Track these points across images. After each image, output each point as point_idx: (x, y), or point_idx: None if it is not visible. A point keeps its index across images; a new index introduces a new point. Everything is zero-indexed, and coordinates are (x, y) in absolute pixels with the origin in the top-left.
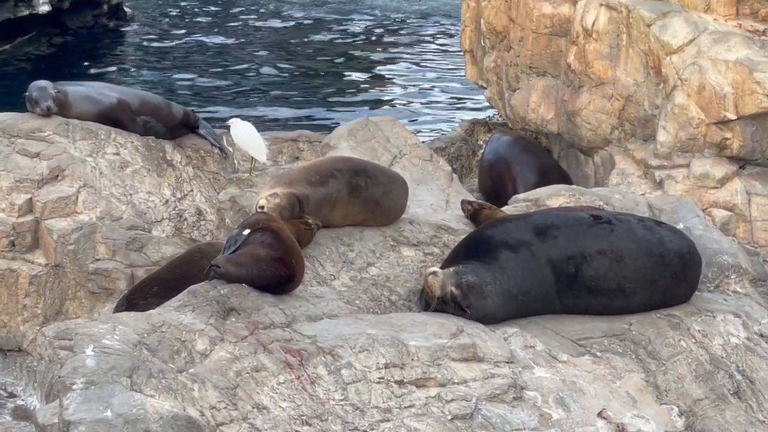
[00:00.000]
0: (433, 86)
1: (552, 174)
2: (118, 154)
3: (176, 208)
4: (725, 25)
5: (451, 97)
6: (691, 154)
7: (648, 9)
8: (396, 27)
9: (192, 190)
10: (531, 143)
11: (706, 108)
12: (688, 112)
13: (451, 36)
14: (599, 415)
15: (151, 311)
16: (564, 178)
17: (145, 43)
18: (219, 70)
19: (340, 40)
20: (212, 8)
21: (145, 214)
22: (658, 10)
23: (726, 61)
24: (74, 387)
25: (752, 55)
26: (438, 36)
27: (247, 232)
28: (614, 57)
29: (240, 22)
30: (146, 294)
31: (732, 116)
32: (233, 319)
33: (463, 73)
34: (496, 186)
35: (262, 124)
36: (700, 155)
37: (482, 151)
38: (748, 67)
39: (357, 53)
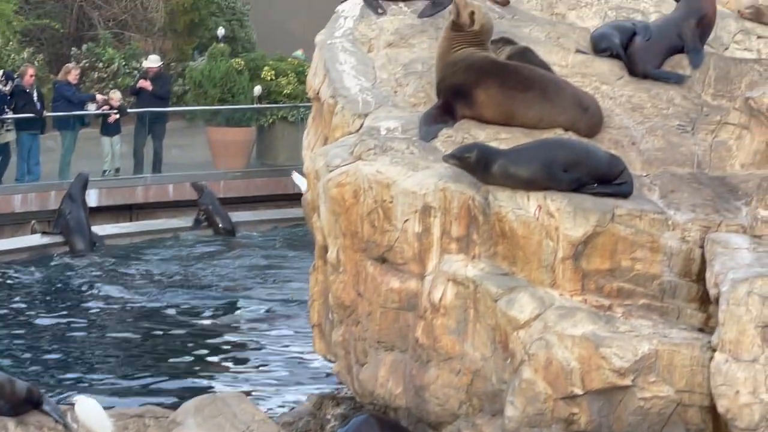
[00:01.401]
0: (281, 360)
1: None
2: None
3: None
4: (571, 301)
5: (300, 371)
6: (539, 429)
7: (495, 284)
8: (246, 302)
9: None
10: (389, 421)
11: (554, 383)
12: (535, 386)
13: (301, 310)
14: None
15: None
16: None
17: None
18: (62, 343)
19: (188, 311)
20: (50, 280)
21: None
22: (504, 285)
23: (572, 336)
24: None
25: (598, 330)
26: (288, 308)
27: None
28: (462, 332)
29: (81, 294)
30: None
31: (579, 391)
32: None
33: (311, 347)
34: None
35: (107, 399)
36: (548, 430)
37: (340, 426)
38: (594, 342)
39: (206, 326)
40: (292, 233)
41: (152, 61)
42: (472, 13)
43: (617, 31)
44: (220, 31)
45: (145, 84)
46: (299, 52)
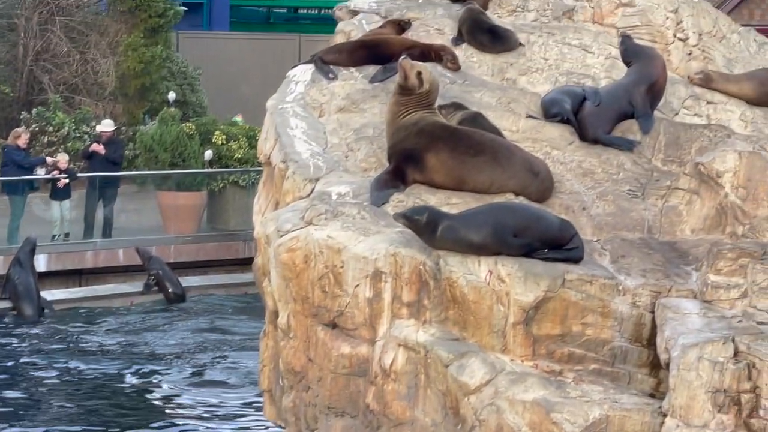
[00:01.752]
0: (232, 427)
1: None
2: None
3: None
4: (522, 366)
5: None
6: None
7: (445, 349)
8: (196, 369)
9: None
10: None
11: None
12: None
13: (252, 375)
14: None
15: None
16: None
17: None
18: (6, 412)
19: (138, 379)
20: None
21: None
22: (455, 350)
23: (523, 401)
24: None
25: (549, 395)
26: (238, 374)
27: None
28: (412, 397)
29: (29, 361)
30: None
31: None
32: None
33: (262, 413)
34: None
35: None
36: None
37: None
38: (545, 407)
39: (155, 393)
40: (243, 298)
41: (106, 126)
42: (419, 73)
43: (568, 96)
44: (171, 96)
45: (98, 148)
46: (238, 118)
